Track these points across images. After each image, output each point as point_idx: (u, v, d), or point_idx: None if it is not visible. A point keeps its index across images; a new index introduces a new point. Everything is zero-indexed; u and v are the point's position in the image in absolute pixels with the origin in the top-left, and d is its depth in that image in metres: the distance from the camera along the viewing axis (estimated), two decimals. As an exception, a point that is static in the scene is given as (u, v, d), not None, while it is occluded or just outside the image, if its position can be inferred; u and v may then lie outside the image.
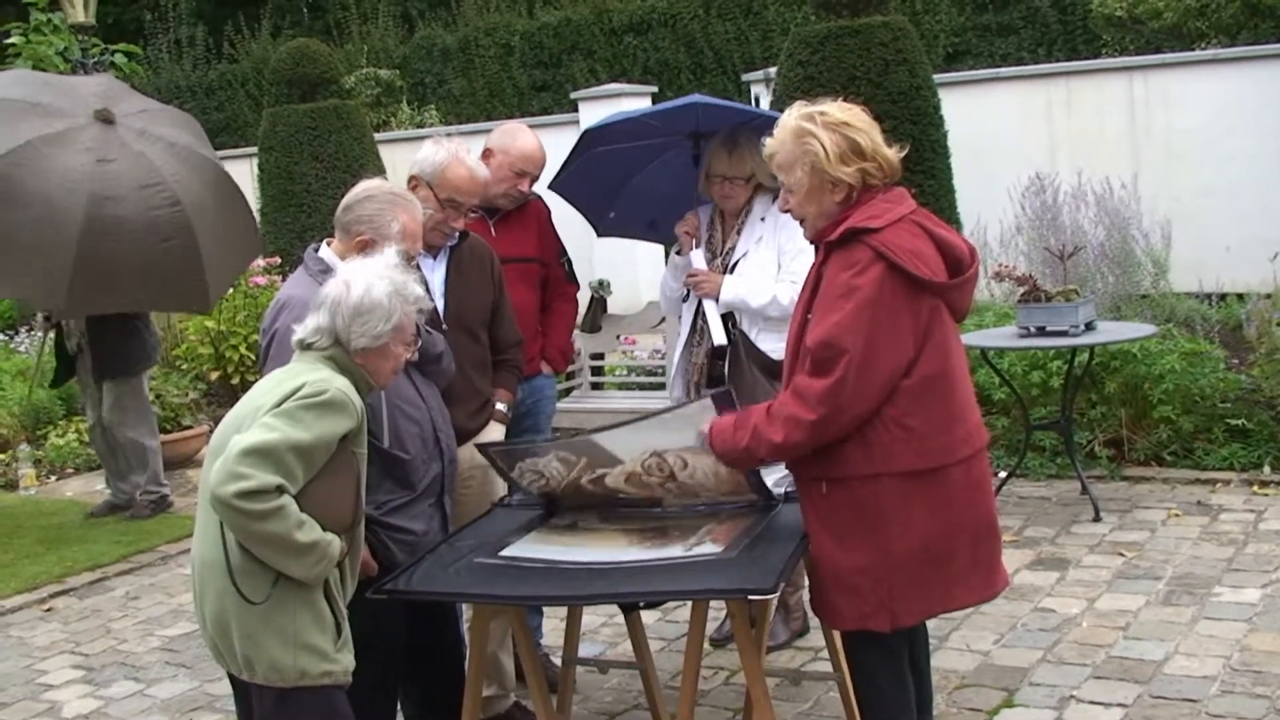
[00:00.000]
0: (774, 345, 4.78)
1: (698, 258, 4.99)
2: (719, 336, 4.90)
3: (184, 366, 11.40)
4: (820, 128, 3.48)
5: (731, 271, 4.94)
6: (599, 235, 5.84)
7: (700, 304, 4.99)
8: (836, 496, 3.46)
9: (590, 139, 5.26)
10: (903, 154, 3.57)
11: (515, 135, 5.02)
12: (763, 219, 4.95)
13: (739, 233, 4.99)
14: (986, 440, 3.60)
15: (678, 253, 5.09)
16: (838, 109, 3.52)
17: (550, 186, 5.34)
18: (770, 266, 4.88)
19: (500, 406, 4.67)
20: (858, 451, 3.40)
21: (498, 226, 5.01)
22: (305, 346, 3.46)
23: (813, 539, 3.55)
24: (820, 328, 3.40)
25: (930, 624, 3.92)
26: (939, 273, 3.46)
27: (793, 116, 3.55)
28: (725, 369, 4.91)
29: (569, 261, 5.32)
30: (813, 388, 3.37)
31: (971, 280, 3.55)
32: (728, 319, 4.93)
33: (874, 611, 3.46)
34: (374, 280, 3.44)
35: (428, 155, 4.46)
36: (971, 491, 3.49)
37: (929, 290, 3.41)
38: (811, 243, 3.67)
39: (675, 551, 3.62)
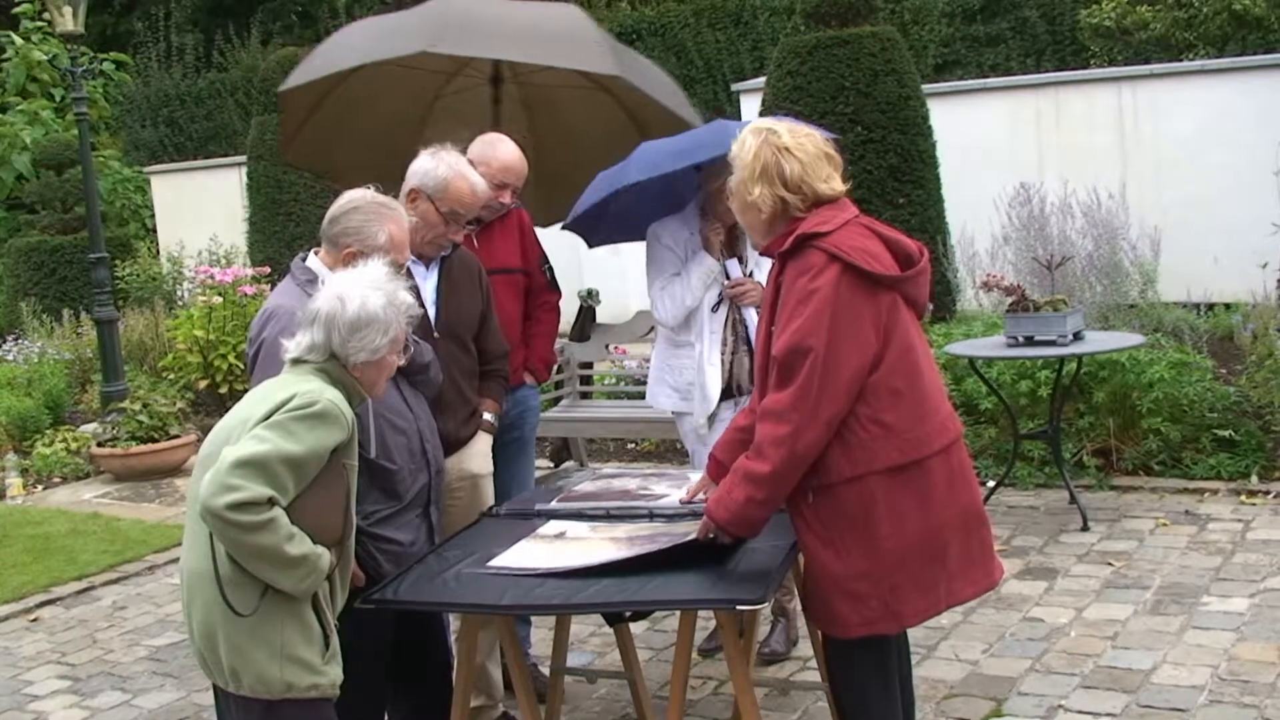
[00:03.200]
0: None
1: (735, 267, 5.03)
2: None
3: (171, 376, 11.39)
4: (759, 144, 3.53)
5: (752, 279, 5.00)
6: (590, 247, 5.76)
7: (731, 313, 5.02)
8: (824, 504, 3.45)
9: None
10: (844, 189, 3.57)
11: (496, 147, 5.00)
12: None
13: (750, 244, 5.01)
14: (960, 430, 3.62)
15: (708, 256, 5.03)
16: (789, 132, 3.55)
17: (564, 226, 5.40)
18: None
19: (487, 417, 4.66)
20: (839, 455, 3.40)
21: (480, 237, 4.99)
22: (298, 362, 3.44)
23: (806, 550, 3.54)
24: (784, 335, 3.42)
25: (918, 633, 3.93)
26: (892, 268, 3.50)
27: (750, 125, 3.63)
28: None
29: (551, 269, 5.30)
30: (781, 400, 3.37)
31: (924, 272, 3.58)
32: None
33: (879, 616, 3.45)
34: (368, 293, 3.42)
35: (428, 169, 4.41)
36: (953, 481, 3.51)
37: (885, 284, 3.44)
38: (761, 254, 3.75)
39: (663, 543, 3.63)
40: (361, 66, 5.67)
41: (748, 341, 5.01)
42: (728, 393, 5.05)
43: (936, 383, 3.59)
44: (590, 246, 5.78)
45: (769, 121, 3.63)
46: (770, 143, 3.51)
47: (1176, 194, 11.09)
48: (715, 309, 5.08)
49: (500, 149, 4.98)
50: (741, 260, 5.09)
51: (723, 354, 5.06)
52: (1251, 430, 7.39)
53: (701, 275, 5.06)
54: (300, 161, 6.70)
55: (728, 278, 5.07)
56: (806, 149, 3.52)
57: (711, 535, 3.54)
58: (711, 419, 5.08)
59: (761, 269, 4.96)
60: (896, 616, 3.47)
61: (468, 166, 4.52)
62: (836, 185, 3.55)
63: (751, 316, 4.97)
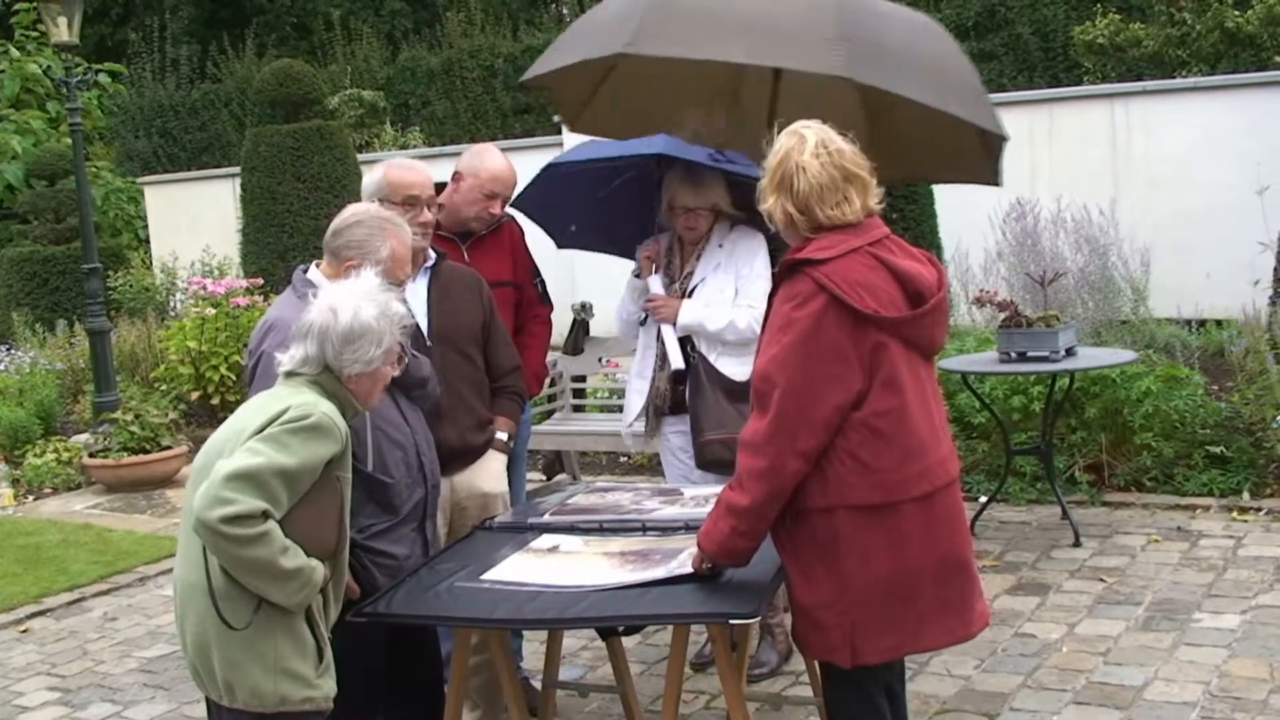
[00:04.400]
0: (734, 369, 4.86)
1: (655, 283, 5.02)
2: (676, 360, 4.95)
3: (164, 387, 11.37)
4: (785, 151, 3.45)
5: (689, 297, 4.98)
6: (559, 248, 5.80)
7: (659, 329, 5.03)
8: (798, 530, 3.43)
9: (554, 168, 5.30)
10: (862, 215, 3.43)
11: (484, 157, 5.02)
12: (721, 245, 5.01)
13: (698, 259, 5.03)
14: (954, 476, 3.51)
15: (636, 275, 5.11)
16: (816, 145, 3.42)
17: (513, 204, 5.28)
18: (728, 291, 4.94)
19: (501, 436, 4.65)
20: (815, 484, 3.36)
21: (471, 250, 5.00)
22: (291, 375, 3.44)
23: (786, 571, 3.54)
24: (759, 361, 3.39)
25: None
26: (892, 306, 3.38)
27: (790, 128, 3.51)
28: (686, 394, 4.95)
29: (542, 282, 5.32)
30: (758, 432, 3.33)
31: (932, 313, 3.45)
32: (685, 343, 4.97)
33: (837, 645, 3.42)
34: (360, 304, 3.43)
35: (368, 182, 4.57)
36: (932, 529, 3.41)
37: (874, 324, 3.34)
38: None
39: (658, 574, 3.62)
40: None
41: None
42: (676, 408, 5.04)
43: (931, 426, 3.45)
44: (559, 247, 5.78)
45: (805, 127, 3.49)
46: (792, 153, 3.42)
47: (1168, 210, 11.13)
48: (643, 322, 5.12)
49: (487, 159, 5.00)
50: (678, 276, 5.05)
51: (653, 369, 5.08)
52: (1243, 447, 7.40)
53: (630, 290, 5.14)
54: (595, 130, 6.27)
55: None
56: (816, 170, 3.39)
57: (707, 566, 3.53)
58: (653, 432, 5.12)
59: (707, 284, 4.95)
60: (854, 651, 3.41)
61: (396, 158, 4.65)
62: (849, 211, 3.41)
63: (667, 334, 4.97)
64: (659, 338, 5.04)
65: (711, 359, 4.92)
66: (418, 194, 4.49)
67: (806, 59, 4.60)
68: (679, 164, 4.95)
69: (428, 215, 4.54)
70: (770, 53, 4.66)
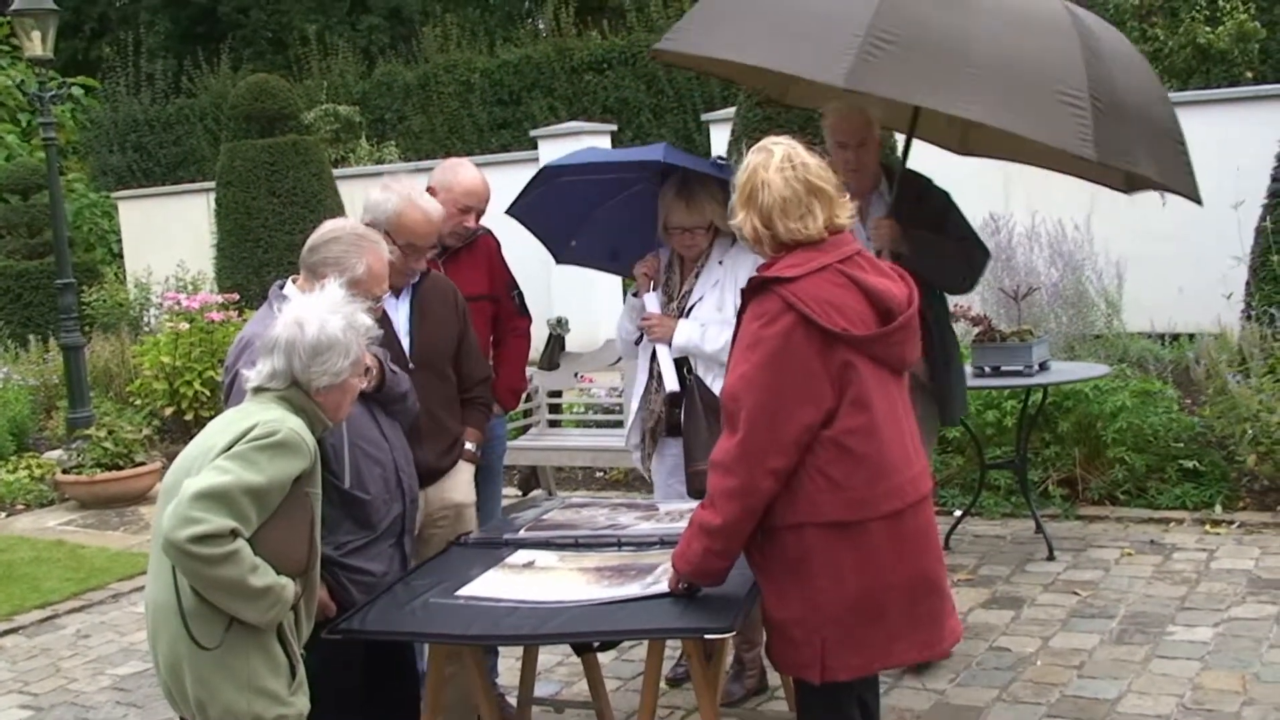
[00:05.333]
0: None
1: (651, 301, 4.94)
2: (671, 382, 4.84)
3: (138, 402, 11.32)
4: (752, 166, 3.45)
5: (687, 315, 4.89)
6: (558, 263, 5.67)
7: (654, 348, 4.94)
8: (769, 547, 3.42)
9: (550, 173, 5.17)
10: (825, 232, 3.42)
11: (457, 171, 5.00)
12: (720, 263, 4.90)
13: (697, 276, 4.93)
14: (925, 493, 3.50)
15: (634, 294, 5.06)
16: (782, 159, 3.42)
17: (507, 211, 5.22)
18: (726, 310, 4.79)
19: (469, 446, 4.65)
20: (785, 501, 3.35)
21: (447, 265, 4.99)
22: (259, 390, 3.43)
23: (760, 587, 3.54)
24: (728, 379, 3.38)
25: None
26: (861, 324, 3.37)
27: (760, 143, 3.52)
28: (681, 417, 4.86)
29: (520, 295, 5.30)
30: (728, 451, 3.32)
31: (901, 330, 3.43)
32: (682, 364, 4.88)
33: (808, 662, 3.41)
34: (327, 317, 3.42)
35: (379, 203, 4.39)
36: (901, 546, 3.40)
37: (843, 342, 3.33)
38: None
39: (633, 590, 3.62)
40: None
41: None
42: (673, 430, 4.93)
43: (902, 443, 3.44)
44: (558, 262, 5.70)
45: (775, 142, 3.49)
46: (759, 169, 3.42)
47: (1141, 225, 11.16)
48: (638, 342, 5.05)
49: (461, 173, 4.99)
50: (677, 294, 4.98)
51: (649, 389, 5.00)
52: (1215, 460, 7.44)
53: (628, 307, 5.08)
54: (813, 102, 5.87)
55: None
56: (779, 184, 3.40)
57: (683, 586, 3.52)
58: (651, 454, 5.04)
59: (705, 302, 4.87)
60: (824, 668, 3.40)
61: (420, 194, 4.50)
62: (812, 225, 3.40)
63: (661, 355, 4.89)
64: (655, 357, 4.96)
65: (708, 381, 4.79)
66: (421, 244, 4.42)
67: (810, 65, 4.28)
68: (672, 181, 4.84)
69: (422, 264, 4.49)
70: (779, 58, 4.40)
